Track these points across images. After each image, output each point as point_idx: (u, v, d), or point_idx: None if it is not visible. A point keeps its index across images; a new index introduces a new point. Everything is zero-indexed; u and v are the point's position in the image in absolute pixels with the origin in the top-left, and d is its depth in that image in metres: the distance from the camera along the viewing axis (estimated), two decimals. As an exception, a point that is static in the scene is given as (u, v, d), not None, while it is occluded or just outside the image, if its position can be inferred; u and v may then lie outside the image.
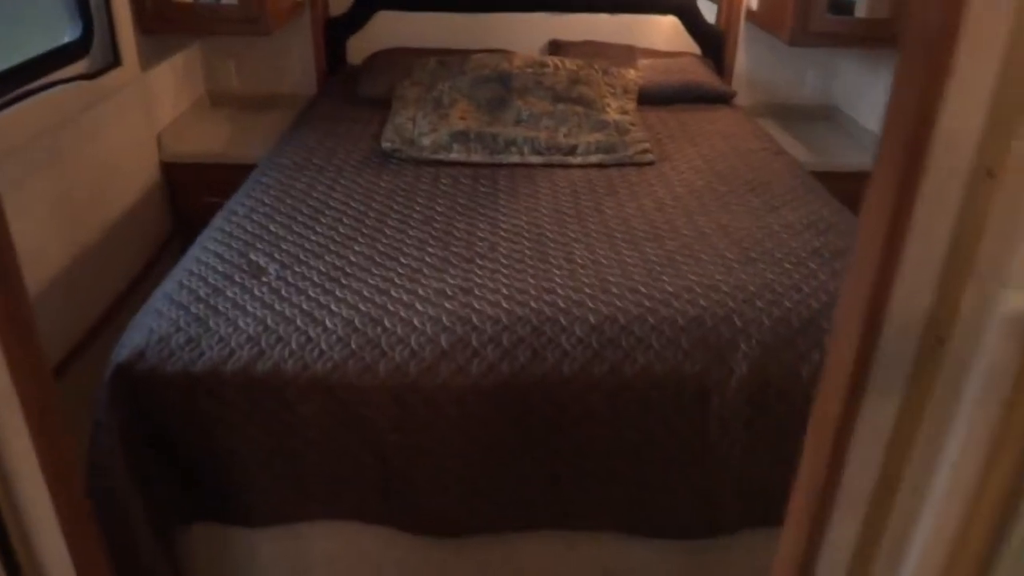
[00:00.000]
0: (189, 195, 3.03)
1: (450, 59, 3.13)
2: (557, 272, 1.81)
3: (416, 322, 1.61)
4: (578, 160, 2.55)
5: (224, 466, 1.62)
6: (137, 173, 2.75)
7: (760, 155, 2.61)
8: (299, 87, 3.42)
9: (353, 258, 1.86)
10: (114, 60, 2.50)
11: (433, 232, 2.01)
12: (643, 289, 1.73)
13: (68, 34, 2.40)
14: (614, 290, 1.72)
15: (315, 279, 1.77)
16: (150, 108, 2.83)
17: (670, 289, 1.73)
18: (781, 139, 3.10)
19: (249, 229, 2.00)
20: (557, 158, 2.55)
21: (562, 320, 1.62)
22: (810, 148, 3.14)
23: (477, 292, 1.72)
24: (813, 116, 3.53)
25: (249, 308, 1.66)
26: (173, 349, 1.56)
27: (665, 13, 3.46)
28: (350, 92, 3.15)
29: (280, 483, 1.62)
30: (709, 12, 3.50)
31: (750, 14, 3.32)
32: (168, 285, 1.78)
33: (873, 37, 2.95)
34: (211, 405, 1.55)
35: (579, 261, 1.87)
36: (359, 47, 3.49)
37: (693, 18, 3.47)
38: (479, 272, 1.81)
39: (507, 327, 1.60)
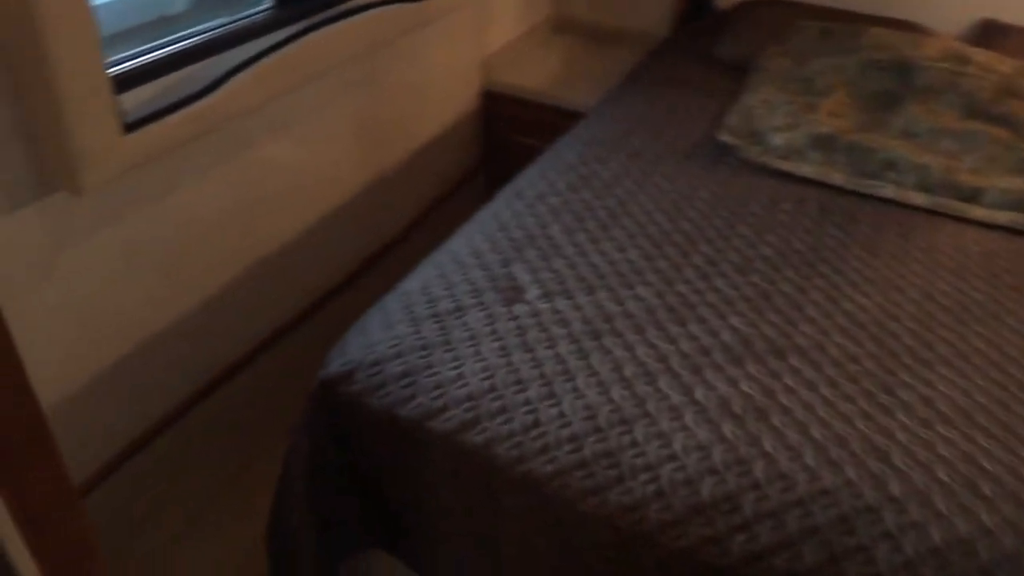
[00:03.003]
0: (504, 129, 2.78)
1: (838, 29, 2.45)
2: (903, 418, 1.25)
3: (677, 445, 1.18)
4: (981, 213, 1.83)
5: (415, 520, 1.37)
6: (454, 100, 2.54)
7: None
8: (651, 25, 2.95)
9: (631, 305, 1.46)
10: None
11: (745, 292, 1.52)
12: (1036, 504, 1.11)
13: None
14: (986, 490, 1.13)
15: (575, 327, 1.39)
16: (482, 30, 2.57)
17: (1083, 522, 1.09)
18: None
19: (526, 225, 1.67)
20: (952, 204, 1.86)
21: (887, 518, 1.09)
22: None
23: (775, 420, 1.23)
24: None
25: (483, 349, 1.34)
26: (385, 380, 1.31)
27: None
28: (704, 48, 2.63)
29: (474, 558, 1.34)
30: None
31: None
32: (413, 281, 1.52)
33: None
34: (413, 457, 1.29)
35: (942, 407, 1.28)
36: (733, -11, 2.90)
37: None
38: (787, 381, 1.31)
39: (801, 500, 1.11)
